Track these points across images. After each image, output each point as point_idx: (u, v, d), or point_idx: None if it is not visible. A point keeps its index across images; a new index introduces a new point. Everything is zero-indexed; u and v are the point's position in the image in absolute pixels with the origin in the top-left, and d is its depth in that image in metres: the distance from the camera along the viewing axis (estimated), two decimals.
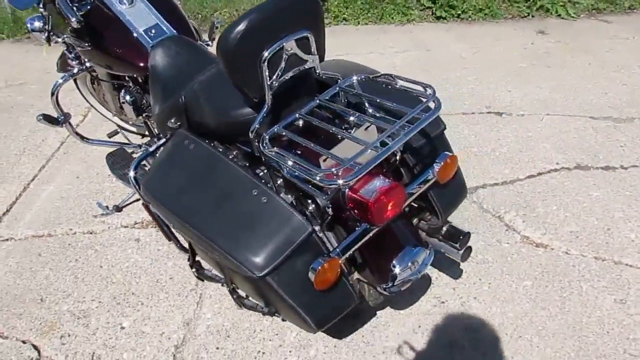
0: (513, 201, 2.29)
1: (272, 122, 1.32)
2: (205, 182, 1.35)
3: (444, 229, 1.56)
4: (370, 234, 1.32)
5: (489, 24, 4.41)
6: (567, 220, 2.16)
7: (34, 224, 2.32)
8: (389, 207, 1.25)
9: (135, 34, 1.83)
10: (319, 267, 1.20)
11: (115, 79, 2.05)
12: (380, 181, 1.26)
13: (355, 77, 1.38)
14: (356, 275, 1.47)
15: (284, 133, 1.27)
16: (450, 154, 1.42)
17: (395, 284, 1.36)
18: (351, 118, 1.36)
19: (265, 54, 1.23)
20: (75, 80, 2.28)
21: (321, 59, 1.38)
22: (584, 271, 1.92)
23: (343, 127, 1.37)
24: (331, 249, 1.29)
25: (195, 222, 1.30)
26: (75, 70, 2.08)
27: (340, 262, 1.25)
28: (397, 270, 1.36)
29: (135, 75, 1.91)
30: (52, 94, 2.10)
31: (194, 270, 1.67)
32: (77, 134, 2.24)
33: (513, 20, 4.45)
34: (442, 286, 1.89)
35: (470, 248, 1.56)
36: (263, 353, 1.69)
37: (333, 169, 1.13)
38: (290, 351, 1.69)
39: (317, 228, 1.32)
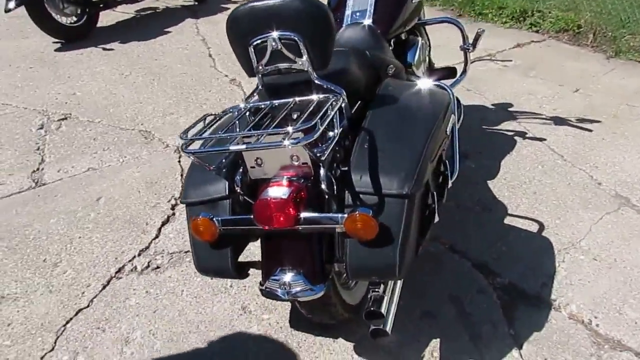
0: None
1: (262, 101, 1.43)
2: None
3: (370, 293, 1.43)
4: (251, 227, 1.32)
5: None
6: None
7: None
8: (268, 215, 1.25)
9: (346, 13, 2.10)
10: (195, 218, 1.35)
11: None
12: (283, 192, 1.26)
13: (334, 98, 1.30)
14: None
15: (242, 109, 1.37)
16: (364, 212, 1.22)
17: (266, 288, 1.35)
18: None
19: (253, 40, 1.35)
20: None
21: (319, 66, 1.37)
22: None
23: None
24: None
25: None
26: None
27: (216, 229, 1.33)
28: (271, 277, 1.36)
29: None
30: None
31: None
32: None
33: None
34: None
35: (381, 332, 1.38)
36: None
37: (190, 135, 1.20)
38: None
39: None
